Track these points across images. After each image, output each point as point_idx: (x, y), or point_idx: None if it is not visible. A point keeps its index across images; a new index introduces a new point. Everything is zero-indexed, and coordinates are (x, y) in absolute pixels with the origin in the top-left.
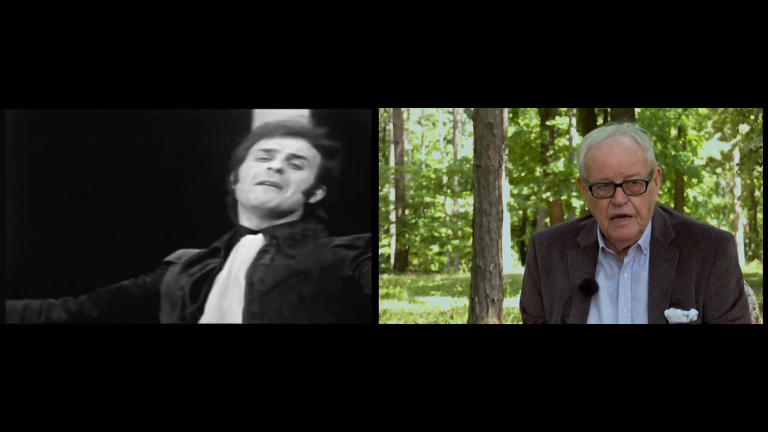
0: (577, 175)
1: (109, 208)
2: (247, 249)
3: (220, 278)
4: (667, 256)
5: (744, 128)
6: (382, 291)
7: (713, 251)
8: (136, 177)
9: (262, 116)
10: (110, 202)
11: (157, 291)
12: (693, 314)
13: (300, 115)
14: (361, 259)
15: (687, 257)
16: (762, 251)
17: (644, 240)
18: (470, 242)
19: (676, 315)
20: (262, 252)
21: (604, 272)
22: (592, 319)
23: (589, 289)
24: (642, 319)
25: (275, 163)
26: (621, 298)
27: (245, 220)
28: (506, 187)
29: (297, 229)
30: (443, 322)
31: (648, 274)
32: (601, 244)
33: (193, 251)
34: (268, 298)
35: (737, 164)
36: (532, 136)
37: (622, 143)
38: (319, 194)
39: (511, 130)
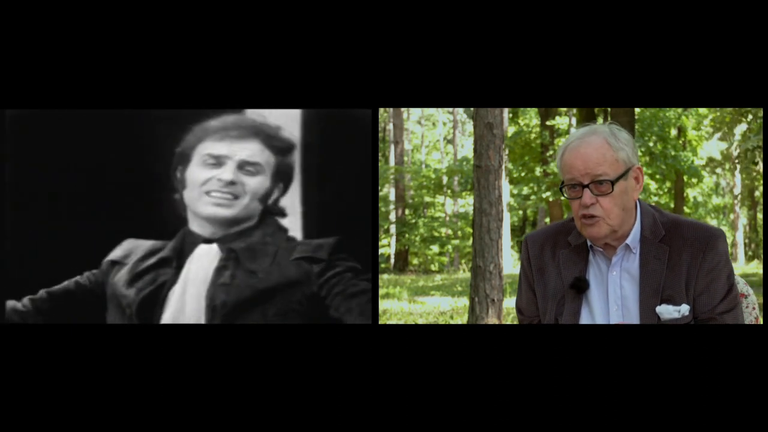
0: None
1: (69, 206)
2: (202, 263)
3: (173, 296)
4: (657, 253)
5: (742, 128)
6: (381, 291)
7: (703, 247)
8: (100, 175)
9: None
10: (70, 199)
11: (102, 291)
12: (684, 310)
13: (255, 113)
14: (328, 275)
15: (677, 254)
16: (762, 251)
17: (633, 238)
18: (470, 242)
19: (667, 311)
20: (220, 269)
21: (594, 271)
22: (585, 317)
23: (580, 287)
24: (633, 315)
25: (226, 174)
26: (611, 296)
27: (196, 226)
28: (506, 187)
29: (255, 238)
30: (443, 322)
31: (639, 272)
32: (590, 242)
33: (141, 246)
34: (231, 321)
35: (735, 159)
36: (532, 136)
37: (590, 143)
38: (276, 194)
39: (511, 130)
